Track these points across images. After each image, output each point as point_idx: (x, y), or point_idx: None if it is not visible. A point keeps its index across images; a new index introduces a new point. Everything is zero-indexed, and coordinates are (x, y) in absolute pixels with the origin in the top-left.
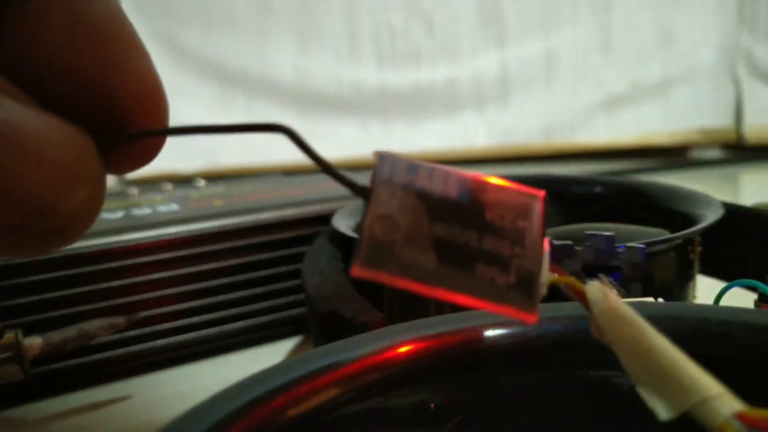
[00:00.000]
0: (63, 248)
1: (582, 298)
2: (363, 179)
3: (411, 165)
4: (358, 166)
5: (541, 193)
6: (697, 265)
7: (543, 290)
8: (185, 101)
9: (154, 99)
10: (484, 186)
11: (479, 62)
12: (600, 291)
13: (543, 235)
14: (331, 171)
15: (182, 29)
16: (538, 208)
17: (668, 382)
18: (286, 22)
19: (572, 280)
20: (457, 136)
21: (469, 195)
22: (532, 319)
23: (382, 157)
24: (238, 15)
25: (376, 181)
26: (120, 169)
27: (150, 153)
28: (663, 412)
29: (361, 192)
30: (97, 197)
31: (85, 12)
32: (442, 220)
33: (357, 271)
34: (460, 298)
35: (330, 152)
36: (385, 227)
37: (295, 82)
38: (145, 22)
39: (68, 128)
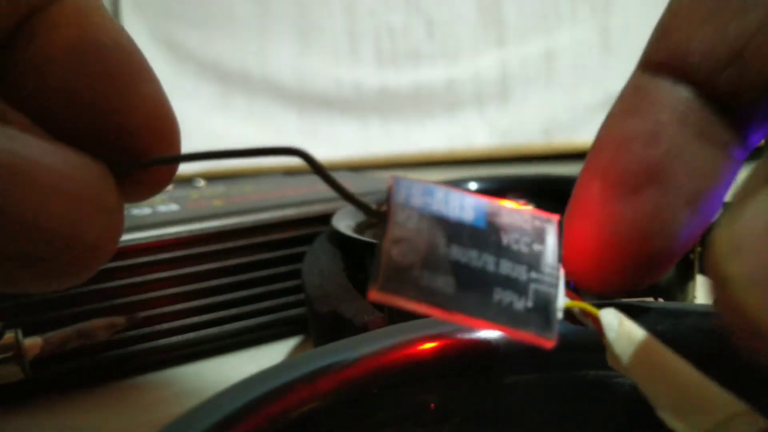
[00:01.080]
0: (83, 281)
1: (596, 323)
2: (362, 180)
3: (426, 188)
4: (358, 167)
5: (556, 216)
6: (697, 265)
7: (559, 315)
8: (185, 101)
9: (165, 126)
10: (499, 209)
11: (479, 62)
12: (614, 316)
13: (559, 258)
14: (347, 194)
15: (182, 29)
16: (553, 232)
17: (690, 404)
18: (286, 22)
19: (586, 305)
20: (457, 136)
21: (484, 218)
22: (549, 344)
23: (397, 180)
24: (238, 15)
25: (391, 204)
26: (135, 197)
27: (164, 180)
28: None
29: (377, 215)
30: (116, 226)
31: (93, 42)
32: (459, 243)
33: (374, 295)
34: (478, 323)
35: (330, 152)
36: (403, 250)
37: (295, 82)
38: (145, 22)
39: (83, 159)
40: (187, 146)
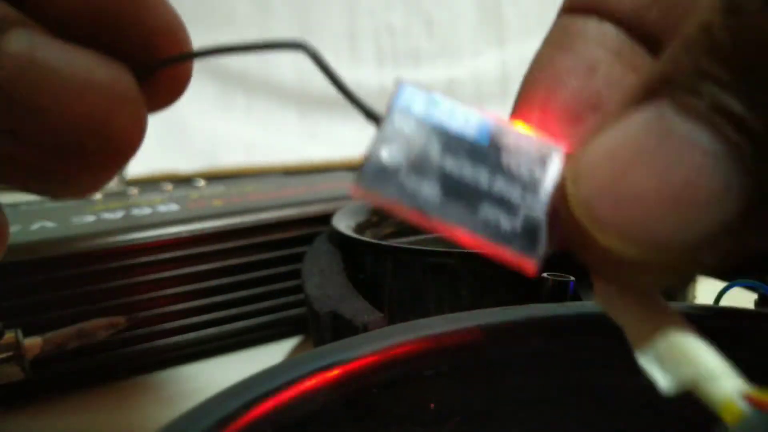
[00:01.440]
0: (116, 173)
1: None
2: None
3: (431, 98)
4: (358, 167)
5: (565, 145)
6: None
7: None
8: (185, 101)
9: (176, 30)
10: (506, 130)
11: (479, 62)
12: None
13: None
14: (348, 93)
15: None
16: (558, 160)
17: (674, 355)
18: (286, 22)
19: None
20: None
21: (488, 136)
22: (530, 267)
23: (402, 85)
24: (238, 15)
25: (390, 107)
26: (157, 102)
27: (181, 80)
28: (664, 384)
29: (375, 118)
30: (141, 118)
31: None
32: (454, 155)
33: (356, 191)
34: (460, 234)
35: (330, 152)
36: (392, 152)
37: (295, 82)
38: None
39: (103, 58)
40: (187, 146)
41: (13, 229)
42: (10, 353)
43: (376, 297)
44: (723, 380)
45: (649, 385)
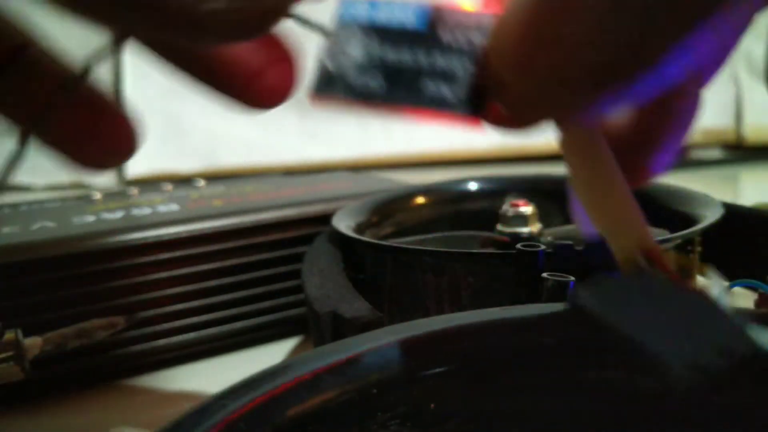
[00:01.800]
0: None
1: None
2: (363, 179)
3: (371, 3)
4: (358, 167)
5: (496, 10)
6: (697, 265)
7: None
8: (185, 101)
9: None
10: (445, 12)
11: None
12: None
13: None
14: (295, 15)
15: None
16: (490, 24)
17: (599, 204)
18: (285, 22)
19: None
20: (458, 136)
21: (426, 22)
22: (477, 123)
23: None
24: None
25: (335, 21)
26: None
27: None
28: (584, 230)
29: (324, 32)
30: None
31: None
32: (395, 47)
33: (311, 98)
34: (408, 111)
35: (330, 152)
36: (337, 60)
37: None
38: None
39: None
40: (187, 146)
41: (13, 229)
42: (10, 353)
43: (376, 297)
44: (630, 235)
45: (649, 384)
